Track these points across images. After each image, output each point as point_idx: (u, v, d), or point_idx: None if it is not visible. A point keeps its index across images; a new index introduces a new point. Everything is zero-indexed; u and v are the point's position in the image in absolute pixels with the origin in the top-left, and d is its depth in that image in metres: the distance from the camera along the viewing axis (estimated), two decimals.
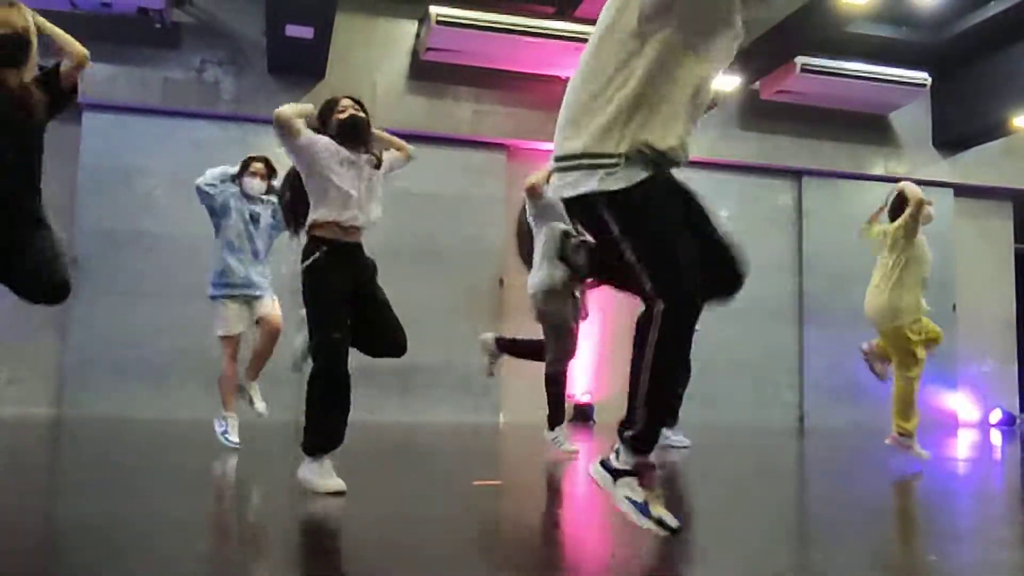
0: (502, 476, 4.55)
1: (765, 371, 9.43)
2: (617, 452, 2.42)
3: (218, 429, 5.10)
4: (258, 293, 5.22)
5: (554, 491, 4.14)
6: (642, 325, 2.40)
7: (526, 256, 5.62)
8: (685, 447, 5.83)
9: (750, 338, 9.17)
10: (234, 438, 5.07)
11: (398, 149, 3.98)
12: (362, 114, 3.71)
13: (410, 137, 8.55)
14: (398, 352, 3.69)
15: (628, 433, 2.39)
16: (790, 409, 9.53)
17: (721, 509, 3.56)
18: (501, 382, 8.65)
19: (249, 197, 5.26)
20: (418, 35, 8.55)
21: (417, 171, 8.52)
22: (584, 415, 8.68)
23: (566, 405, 5.62)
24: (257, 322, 5.25)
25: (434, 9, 7.99)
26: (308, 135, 3.54)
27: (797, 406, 9.56)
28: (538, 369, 5.52)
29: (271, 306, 5.25)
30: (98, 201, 7.86)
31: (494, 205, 8.82)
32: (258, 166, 5.25)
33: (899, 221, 5.25)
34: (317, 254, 3.49)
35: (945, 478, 4.90)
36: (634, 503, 2.33)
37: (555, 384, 5.46)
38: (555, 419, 5.41)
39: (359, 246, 3.63)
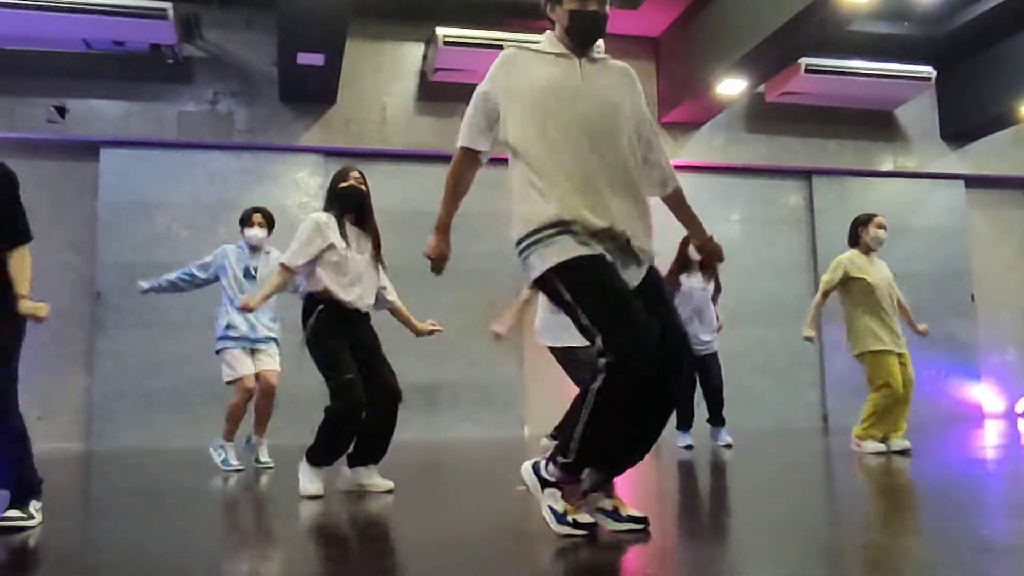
0: None
1: (787, 372, 9.42)
2: (548, 461, 2.57)
3: (216, 458, 5.35)
4: (261, 346, 5.47)
5: None
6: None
7: None
8: (728, 445, 6.27)
9: (771, 339, 9.18)
10: (234, 462, 5.34)
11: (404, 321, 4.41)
12: (363, 187, 4.09)
13: (421, 157, 8.77)
14: (392, 398, 4.03)
15: (561, 459, 2.52)
16: (814, 408, 9.51)
17: (779, 499, 3.58)
18: (525, 395, 8.68)
19: (252, 248, 5.54)
20: (425, 56, 8.66)
21: (432, 191, 8.67)
22: None
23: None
24: (256, 377, 5.47)
25: (440, 30, 8.10)
26: (310, 255, 3.95)
27: (820, 405, 9.55)
28: (561, 379, 5.51)
29: (270, 361, 5.49)
30: (118, 235, 7.97)
31: (509, 220, 8.86)
32: (257, 217, 5.56)
33: (822, 289, 5.80)
34: (317, 312, 3.89)
35: (977, 464, 4.89)
36: (554, 512, 2.54)
37: None
38: None
39: (357, 311, 3.97)
